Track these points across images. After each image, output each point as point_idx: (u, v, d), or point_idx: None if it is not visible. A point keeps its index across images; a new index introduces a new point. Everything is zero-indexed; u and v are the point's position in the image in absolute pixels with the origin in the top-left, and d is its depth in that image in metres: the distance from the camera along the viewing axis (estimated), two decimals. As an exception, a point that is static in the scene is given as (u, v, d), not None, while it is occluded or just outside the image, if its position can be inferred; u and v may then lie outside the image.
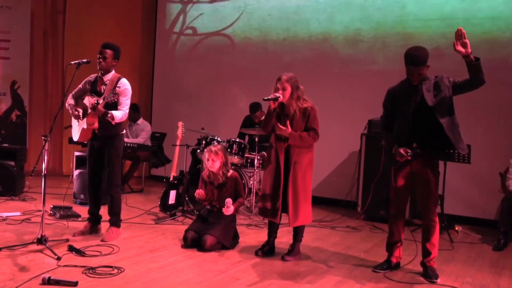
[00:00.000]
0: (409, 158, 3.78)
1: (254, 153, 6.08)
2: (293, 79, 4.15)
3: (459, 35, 3.57)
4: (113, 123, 4.43)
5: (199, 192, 4.50)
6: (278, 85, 4.14)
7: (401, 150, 3.79)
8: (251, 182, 6.09)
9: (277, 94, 4.09)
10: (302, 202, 4.15)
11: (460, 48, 3.55)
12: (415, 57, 3.70)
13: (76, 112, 4.55)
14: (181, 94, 8.58)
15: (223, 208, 4.36)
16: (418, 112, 3.79)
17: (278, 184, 4.15)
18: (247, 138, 6.78)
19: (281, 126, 4.08)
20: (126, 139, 7.27)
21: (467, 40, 3.53)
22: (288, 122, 4.09)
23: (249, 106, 6.66)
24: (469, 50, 3.53)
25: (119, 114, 4.45)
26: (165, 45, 8.77)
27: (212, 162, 4.50)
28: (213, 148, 4.53)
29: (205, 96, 8.31)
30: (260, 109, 6.57)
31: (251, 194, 6.03)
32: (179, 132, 5.89)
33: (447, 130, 3.70)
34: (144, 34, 8.99)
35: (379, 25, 6.86)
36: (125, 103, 4.53)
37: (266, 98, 4.09)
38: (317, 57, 7.29)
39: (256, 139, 6.05)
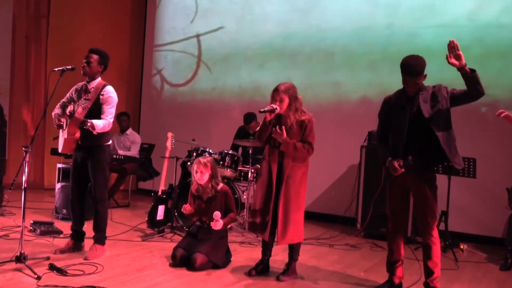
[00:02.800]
0: (403, 170, 3.78)
1: (248, 166, 6.07)
2: (291, 90, 4.15)
3: (451, 47, 3.60)
4: (94, 132, 4.41)
5: (186, 207, 4.48)
6: (275, 96, 4.14)
7: (395, 163, 3.80)
8: (245, 196, 6.07)
9: (274, 106, 4.10)
10: (292, 219, 4.14)
11: (453, 60, 3.58)
12: (411, 67, 3.70)
13: (58, 122, 4.51)
14: (171, 103, 8.61)
15: (211, 223, 4.34)
16: (414, 123, 3.80)
17: (269, 199, 4.15)
18: (240, 150, 6.79)
19: (278, 130, 4.10)
20: (120, 152, 7.31)
21: (460, 52, 3.56)
22: (284, 128, 4.11)
23: (243, 117, 6.67)
24: (463, 62, 3.55)
25: (101, 123, 4.42)
26: (155, 51, 8.80)
27: (200, 174, 4.49)
28: (202, 159, 4.53)
29: (196, 105, 8.34)
30: (254, 120, 6.58)
31: (245, 210, 6.01)
32: (169, 143, 5.88)
33: (442, 143, 3.70)
34: (133, 40, 9.03)
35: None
36: (109, 111, 4.50)
37: (262, 110, 4.11)
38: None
39: (250, 151, 6.04)
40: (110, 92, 4.54)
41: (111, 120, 4.53)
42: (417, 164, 3.83)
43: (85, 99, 4.36)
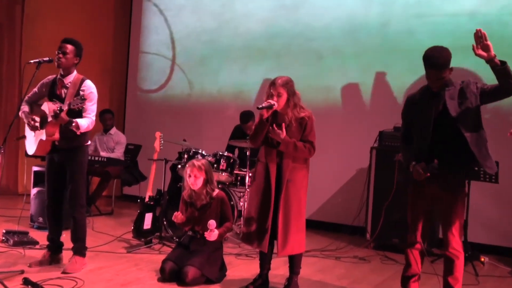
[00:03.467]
0: (428, 175, 3.76)
1: (245, 170, 6.07)
2: (289, 84, 4.18)
3: (478, 37, 3.57)
4: (78, 133, 4.42)
5: (178, 215, 4.46)
6: (272, 91, 4.15)
7: (419, 167, 3.78)
8: (241, 203, 6.09)
9: (272, 102, 4.11)
10: (293, 228, 4.14)
11: (481, 52, 3.56)
12: (434, 59, 3.68)
13: (33, 122, 4.53)
14: (159, 99, 8.60)
15: (205, 233, 4.31)
16: (439, 123, 3.78)
17: (268, 206, 4.14)
18: (237, 151, 6.79)
19: (276, 129, 4.11)
20: (102, 153, 7.35)
21: (488, 42, 3.53)
22: (284, 125, 4.12)
23: (239, 115, 6.68)
24: (492, 53, 3.53)
25: (85, 123, 4.45)
26: (142, 43, 8.82)
27: (194, 179, 4.47)
28: (196, 162, 4.52)
29: (187, 101, 8.33)
30: (252, 119, 6.56)
31: (242, 218, 6.01)
32: (157, 144, 5.89)
33: (471, 144, 3.68)
34: (118, 30, 8.99)
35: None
36: (91, 109, 4.52)
37: (260, 106, 4.12)
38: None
39: (248, 153, 6.05)
40: (91, 87, 4.54)
41: (94, 118, 4.55)
42: (443, 168, 3.81)
43: (81, 98, 4.30)
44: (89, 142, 4.74)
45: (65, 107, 4.32)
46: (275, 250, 4.30)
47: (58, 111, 4.28)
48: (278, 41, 7.60)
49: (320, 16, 7.32)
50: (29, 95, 4.73)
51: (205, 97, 8.21)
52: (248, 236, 4.24)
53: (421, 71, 3.88)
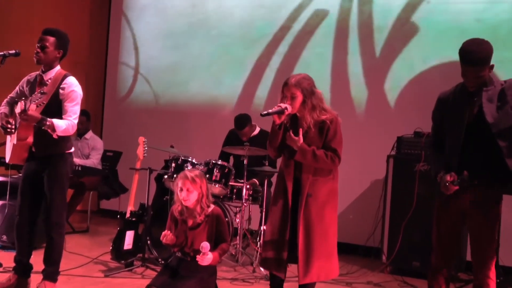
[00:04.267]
0: (457, 188, 3.71)
1: (242, 181, 6.05)
2: (305, 82, 4.12)
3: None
4: (54, 135, 4.34)
5: (167, 235, 4.34)
6: (284, 92, 4.13)
7: (448, 178, 3.73)
8: (237, 220, 6.07)
9: (283, 105, 4.06)
10: (317, 251, 4.09)
11: None
12: (472, 54, 3.64)
13: (8, 125, 4.41)
14: (143, 99, 8.57)
15: (197, 256, 4.22)
16: (473, 128, 3.75)
17: (284, 226, 4.13)
18: (232, 160, 6.78)
19: (292, 136, 4.07)
20: (76, 160, 7.23)
21: None
22: (301, 131, 4.10)
23: (234, 120, 6.63)
24: None
25: (63, 124, 4.36)
26: (122, 35, 8.81)
27: (187, 193, 4.33)
28: (188, 173, 4.39)
29: (175, 101, 8.31)
30: (249, 124, 6.54)
31: (237, 237, 5.99)
32: (140, 150, 5.87)
33: (506, 155, 3.64)
34: (94, 21, 8.94)
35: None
36: (72, 110, 4.45)
37: (265, 112, 4.07)
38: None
39: (245, 162, 6.01)
40: (73, 84, 4.48)
41: (76, 121, 4.48)
42: (474, 181, 3.73)
43: (40, 92, 4.29)
44: (72, 149, 4.67)
45: (30, 104, 4.20)
46: (289, 274, 4.28)
47: (24, 110, 4.16)
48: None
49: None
50: (11, 94, 4.73)
51: (196, 97, 8.22)
52: (264, 261, 4.24)
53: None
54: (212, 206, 4.51)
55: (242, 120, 6.55)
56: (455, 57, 3.81)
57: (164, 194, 6.13)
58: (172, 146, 6.40)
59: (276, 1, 7.68)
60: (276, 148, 4.20)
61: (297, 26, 7.53)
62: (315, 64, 7.34)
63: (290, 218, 4.13)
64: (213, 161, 5.94)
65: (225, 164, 6.00)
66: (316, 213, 4.09)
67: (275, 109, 4.05)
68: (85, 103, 8.36)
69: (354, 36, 7.24)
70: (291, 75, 4.18)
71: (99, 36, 9.02)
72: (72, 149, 4.67)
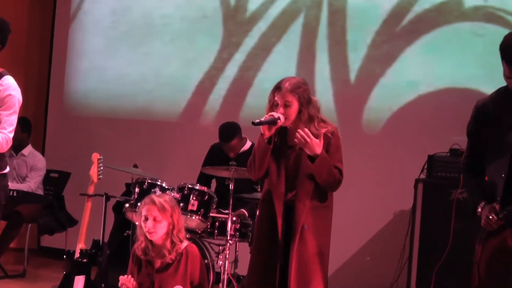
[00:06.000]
0: (502, 223, 3.60)
1: (227, 211, 5.78)
2: (302, 88, 4.15)
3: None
4: None
5: (127, 281, 4.36)
6: (276, 98, 4.10)
7: (489, 211, 3.62)
8: (220, 262, 5.82)
9: (275, 115, 4.05)
10: None
11: None
12: None
13: None
14: (98, 104, 8.48)
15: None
16: None
17: (273, 265, 4.09)
18: (214, 184, 6.57)
19: (312, 138, 4.03)
20: (10, 184, 7.11)
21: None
22: (306, 131, 4.06)
23: (219, 130, 6.44)
24: None
25: None
26: (71, 22, 8.74)
27: (153, 224, 4.29)
28: (156, 198, 4.35)
29: (139, 107, 8.26)
30: (238, 135, 6.36)
31: (220, 284, 5.74)
32: (94, 171, 5.78)
33: None
34: (34, 8, 8.93)
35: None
36: (8, 120, 4.38)
37: (257, 121, 4.02)
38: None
39: (231, 186, 5.74)
40: (11, 87, 4.36)
41: (11, 135, 4.41)
42: None
43: None
44: (7, 170, 4.54)
45: None
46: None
47: None
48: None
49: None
50: None
51: (167, 102, 8.18)
52: None
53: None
54: (186, 242, 4.52)
55: (229, 130, 6.35)
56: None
57: (124, 228, 6.02)
58: (135, 166, 6.19)
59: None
60: (264, 167, 4.20)
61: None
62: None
63: (280, 256, 4.11)
64: (189, 185, 5.74)
65: (205, 189, 5.79)
66: (312, 250, 4.09)
67: (267, 118, 4.04)
68: (23, 109, 8.39)
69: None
70: (284, 78, 4.14)
71: (42, 23, 8.87)
72: (7, 169, 4.51)
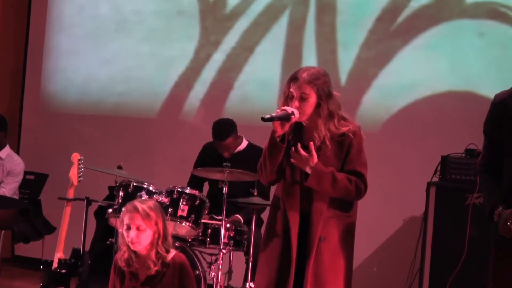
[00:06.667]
0: None
1: (220, 217, 5.81)
2: (321, 79, 4.09)
3: None
4: None
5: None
6: (292, 90, 4.05)
7: (508, 217, 3.64)
8: (213, 273, 5.86)
9: (289, 109, 3.98)
10: None
11: None
12: None
13: None
14: (78, 99, 8.51)
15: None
16: None
17: (285, 281, 4.06)
18: (206, 187, 6.60)
19: (301, 151, 3.98)
20: None
21: None
22: (311, 145, 3.96)
23: (212, 127, 6.48)
24: None
25: None
26: (48, 16, 8.71)
27: (137, 234, 4.28)
28: (139, 205, 4.32)
29: (124, 102, 8.29)
30: (233, 133, 6.39)
31: None
32: (73, 173, 5.83)
33: None
34: (8, 2, 9.10)
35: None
36: None
37: (267, 116, 3.93)
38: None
39: (225, 190, 5.76)
40: None
41: None
42: None
43: None
44: None
45: None
46: None
47: None
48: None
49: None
50: None
51: (153, 96, 8.25)
52: None
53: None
54: (174, 251, 4.54)
55: (224, 127, 6.41)
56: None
57: (107, 236, 6.02)
58: (120, 167, 6.13)
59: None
60: (275, 170, 4.14)
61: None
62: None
63: (294, 271, 4.03)
64: (179, 189, 5.74)
65: (196, 193, 5.79)
66: (329, 264, 4.03)
67: (279, 113, 3.96)
68: (-3, 106, 8.42)
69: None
70: (301, 67, 4.06)
71: (16, 17, 8.95)
72: None
